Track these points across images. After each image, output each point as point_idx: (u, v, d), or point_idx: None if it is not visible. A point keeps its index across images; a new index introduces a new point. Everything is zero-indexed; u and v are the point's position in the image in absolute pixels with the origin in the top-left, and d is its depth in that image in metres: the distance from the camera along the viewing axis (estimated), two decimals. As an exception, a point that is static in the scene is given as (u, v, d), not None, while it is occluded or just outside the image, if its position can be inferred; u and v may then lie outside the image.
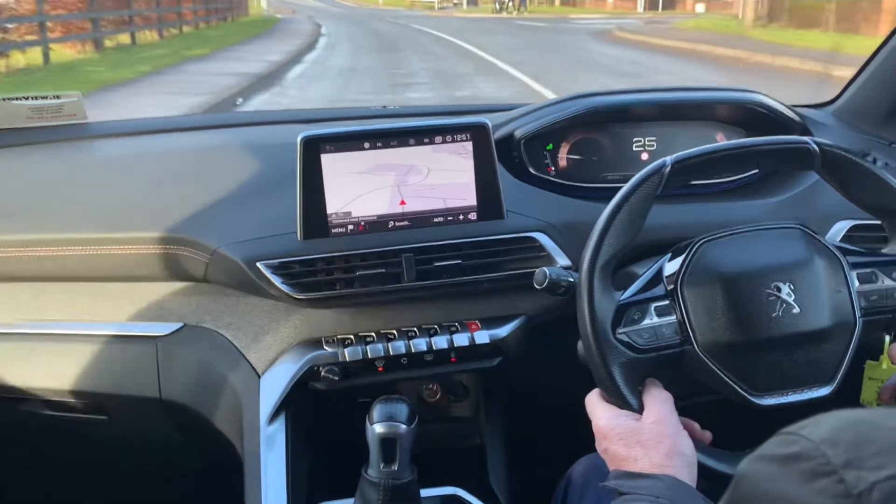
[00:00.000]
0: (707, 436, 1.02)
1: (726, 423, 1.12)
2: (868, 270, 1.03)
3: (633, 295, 0.99)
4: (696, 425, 1.01)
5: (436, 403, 1.50)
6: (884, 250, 1.06)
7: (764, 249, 1.01)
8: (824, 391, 0.97)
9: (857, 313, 0.99)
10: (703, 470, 0.90)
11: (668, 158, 0.97)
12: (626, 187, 0.97)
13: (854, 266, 1.02)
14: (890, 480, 0.44)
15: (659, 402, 0.93)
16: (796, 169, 1.37)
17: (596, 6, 36.72)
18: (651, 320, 0.97)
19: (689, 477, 0.86)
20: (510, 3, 28.21)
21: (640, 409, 0.93)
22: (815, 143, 0.99)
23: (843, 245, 1.05)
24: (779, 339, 0.95)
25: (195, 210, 1.29)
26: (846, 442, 0.47)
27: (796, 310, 0.96)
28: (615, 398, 0.94)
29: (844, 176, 1.01)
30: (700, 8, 29.78)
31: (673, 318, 0.97)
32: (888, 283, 1.02)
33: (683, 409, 0.97)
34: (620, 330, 0.95)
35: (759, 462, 0.51)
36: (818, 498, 0.46)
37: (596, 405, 0.96)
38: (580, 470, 1.23)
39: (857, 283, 1.01)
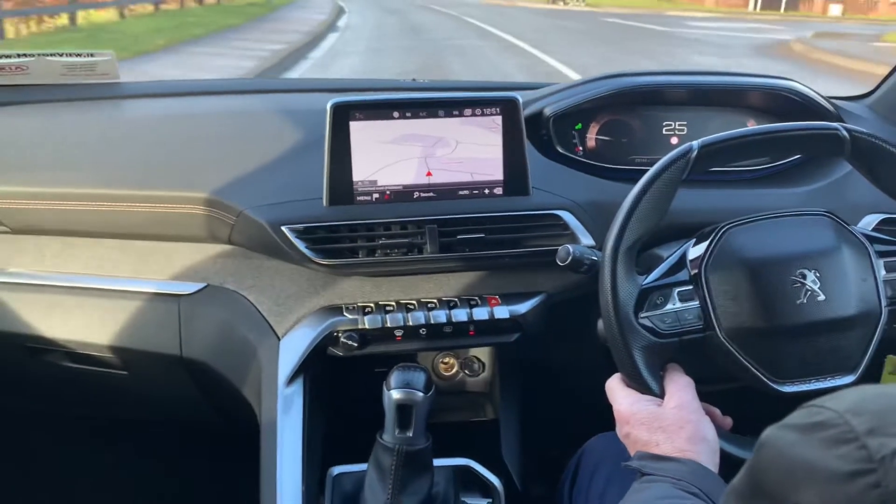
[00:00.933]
0: (728, 422, 1.02)
1: (747, 410, 1.12)
2: (895, 259, 1.02)
3: (657, 279, 0.98)
4: (717, 411, 1.00)
5: (451, 377, 1.50)
6: None
7: (790, 236, 1.00)
8: (847, 380, 0.96)
9: (883, 302, 0.98)
10: (724, 456, 0.90)
11: (695, 143, 0.96)
12: (651, 171, 0.97)
13: (881, 255, 1.01)
14: None
15: (681, 387, 0.92)
16: (826, 156, 1.35)
17: (693, 3, 30.36)
18: (674, 305, 0.96)
19: (712, 462, 0.86)
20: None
21: (661, 394, 0.93)
22: (846, 129, 0.97)
23: (870, 233, 1.04)
24: (803, 327, 0.95)
25: (223, 172, 1.30)
26: (870, 412, 0.47)
27: (821, 297, 0.95)
28: (636, 383, 0.94)
29: (874, 164, 1.00)
30: (835, 9, 26.06)
31: (696, 303, 0.97)
32: None
33: (704, 396, 0.97)
34: (643, 314, 0.95)
35: (781, 430, 0.51)
36: (839, 463, 0.46)
37: (617, 390, 0.96)
38: (592, 448, 1.23)
39: (883, 272, 1.00)
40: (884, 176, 1.01)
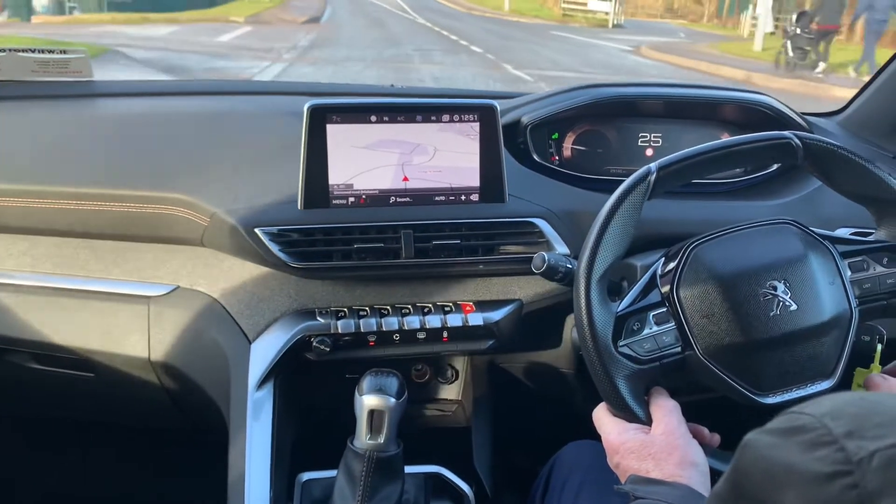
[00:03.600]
0: (716, 439, 1.02)
1: (733, 424, 1.13)
2: (859, 259, 1.03)
3: (630, 304, 0.98)
4: (705, 430, 1.01)
5: (424, 384, 1.50)
6: (871, 237, 1.06)
7: (756, 248, 1.01)
8: (826, 385, 0.97)
9: (853, 303, 0.99)
10: (714, 474, 0.91)
11: (653, 165, 0.97)
12: (613, 197, 0.97)
13: (844, 255, 1.02)
14: (891, 449, 0.45)
15: (667, 412, 0.93)
16: (783, 164, 1.37)
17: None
18: (650, 329, 0.97)
19: (703, 486, 0.86)
20: (807, 50, 12.43)
21: (648, 421, 0.93)
22: (797, 136, 0.99)
23: (831, 234, 1.05)
24: (779, 338, 0.95)
25: (196, 173, 1.28)
26: (848, 415, 0.48)
27: (793, 307, 0.96)
28: (622, 412, 0.94)
29: (828, 167, 1.02)
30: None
31: (672, 324, 0.97)
32: (879, 269, 1.03)
33: (691, 411, 0.97)
34: (622, 342, 0.95)
35: (762, 434, 0.52)
36: (818, 465, 0.46)
37: (604, 420, 0.96)
38: (564, 457, 1.23)
39: (849, 273, 1.02)
40: (838, 178, 1.03)
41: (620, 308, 0.97)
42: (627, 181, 0.97)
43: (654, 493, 0.83)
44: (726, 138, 1.07)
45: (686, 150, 0.99)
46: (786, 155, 1.00)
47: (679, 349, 0.96)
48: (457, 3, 30.87)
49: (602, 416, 0.97)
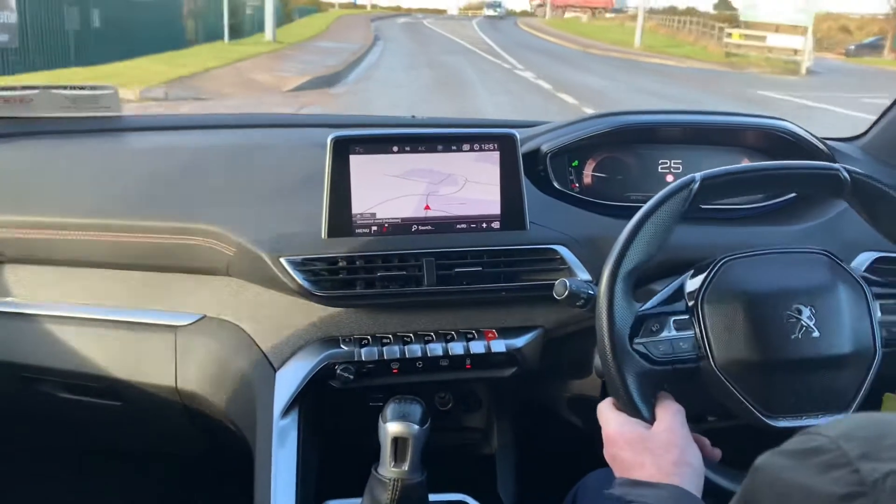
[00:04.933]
0: (717, 453, 1.02)
1: (737, 445, 1.12)
2: (892, 302, 1.03)
3: (654, 307, 0.99)
4: (707, 441, 1.00)
5: (447, 412, 1.50)
6: None
7: (787, 272, 1.01)
8: (839, 418, 0.96)
9: (879, 343, 0.99)
10: (711, 487, 0.90)
11: (697, 175, 0.98)
12: (653, 199, 0.98)
13: (877, 297, 1.02)
14: None
15: (671, 412, 0.93)
16: (826, 195, 1.37)
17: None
18: (669, 333, 0.97)
19: (695, 487, 0.86)
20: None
21: (651, 420, 0.93)
22: (846, 170, 0.99)
23: (867, 275, 1.05)
24: (796, 362, 0.95)
25: (222, 204, 1.31)
26: (862, 437, 0.48)
27: (816, 334, 0.96)
28: (627, 407, 0.94)
29: (874, 206, 1.01)
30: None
31: (691, 332, 0.97)
32: None
33: (696, 429, 0.96)
34: (638, 340, 0.95)
35: (776, 456, 0.52)
36: (832, 487, 0.46)
37: (607, 412, 0.96)
38: (589, 484, 1.22)
39: (879, 314, 1.01)
40: (883, 218, 1.02)
41: (643, 308, 0.98)
42: (669, 187, 0.98)
43: (644, 496, 0.83)
44: (764, 162, 1.07)
45: (732, 166, 0.99)
46: (833, 187, 1.00)
47: (695, 357, 0.97)
48: (564, 39, 25.70)
49: (606, 409, 0.97)
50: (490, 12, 49.60)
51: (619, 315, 0.94)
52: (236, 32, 19.40)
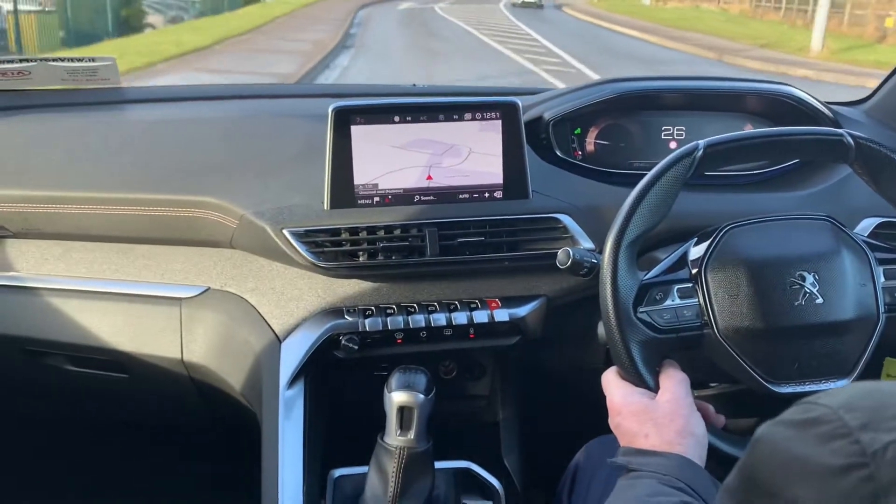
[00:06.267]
0: (721, 420, 1.02)
1: (741, 411, 1.13)
2: (895, 267, 1.03)
3: (657, 275, 0.99)
4: (711, 408, 1.01)
5: (452, 381, 1.51)
6: None
7: (790, 238, 1.01)
8: (842, 383, 0.97)
9: (882, 308, 0.99)
10: (714, 453, 0.91)
11: (701, 142, 0.97)
12: (657, 168, 0.98)
13: (881, 262, 1.02)
14: None
15: (675, 382, 0.93)
16: (830, 161, 1.36)
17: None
18: (673, 301, 0.97)
19: (698, 457, 0.87)
20: None
21: (655, 389, 0.94)
22: (850, 135, 0.98)
23: (870, 240, 1.05)
24: (800, 328, 0.96)
25: (225, 176, 1.31)
26: (863, 407, 0.48)
27: (819, 300, 0.96)
28: (632, 376, 0.94)
29: (877, 171, 1.01)
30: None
31: (695, 300, 0.98)
32: None
33: (700, 397, 0.97)
34: (642, 309, 0.96)
35: (776, 426, 0.52)
36: (833, 458, 0.46)
37: (612, 382, 0.97)
38: (591, 451, 1.23)
39: (882, 279, 1.01)
40: (885, 183, 1.02)
41: (647, 277, 0.98)
42: (673, 154, 0.98)
43: (647, 464, 0.84)
44: (768, 128, 1.06)
45: (736, 133, 0.99)
46: (837, 153, 1.00)
47: (699, 325, 0.97)
48: (657, 34, 18.90)
49: (610, 378, 0.97)
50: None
51: (622, 284, 0.94)
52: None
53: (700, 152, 0.96)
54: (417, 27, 19.01)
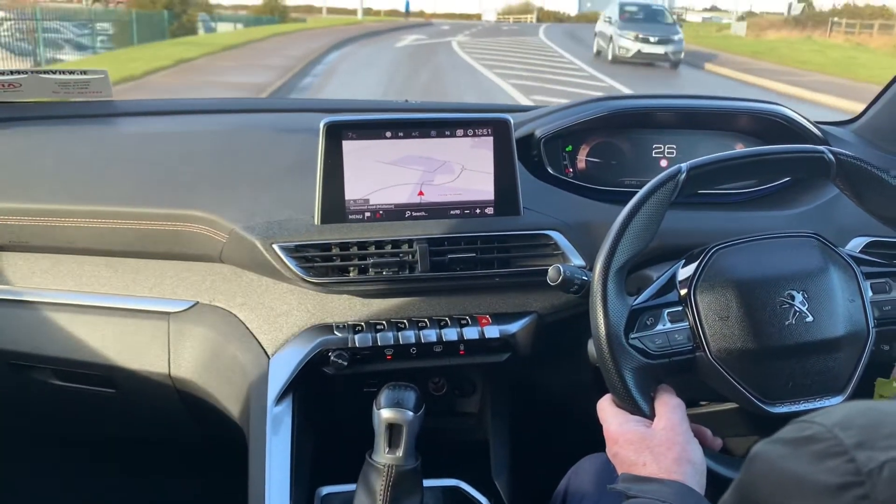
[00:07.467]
0: (718, 443, 1.02)
1: (737, 432, 1.12)
2: (882, 280, 1.03)
3: (647, 300, 0.99)
4: (708, 432, 1.00)
5: (441, 397, 1.50)
6: None
7: (778, 258, 1.01)
8: (836, 401, 0.97)
9: (871, 323, 0.99)
10: (712, 476, 0.90)
11: (684, 165, 0.97)
12: (641, 192, 0.98)
13: (868, 276, 1.02)
14: None
15: (671, 408, 0.93)
16: (812, 178, 1.37)
17: None
18: (664, 326, 0.97)
19: (697, 484, 0.86)
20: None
21: (651, 415, 0.93)
22: (831, 151, 0.99)
23: (857, 255, 1.05)
24: (791, 348, 0.95)
25: (215, 190, 1.30)
26: (858, 426, 0.48)
27: (809, 318, 0.96)
28: (627, 404, 0.94)
29: (859, 186, 1.01)
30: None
31: (686, 324, 0.97)
32: None
33: (695, 417, 0.97)
34: (633, 335, 0.95)
35: (772, 444, 0.52)
36: (828, 476, 0.46)
37: (608, 410, 0.96)
38: (583, 469, 1.23)
39: (870, 293, 1.01)
40: (868, 197, 1.02)
41: (636, 302, 0.98)
42: (656, 178, 0.98)
43: (646, 491, 0.83)
44: (751, 147, 1.07)
45: (718, 154, 0.99)
46: (818, 169, 1.00)
47: (690, 349, 0.97)
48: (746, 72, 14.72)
49: (606, 407, 0.97)
50: (638, 46, 16.05)
51: (613, 312, 0.93)
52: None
53: (683, 175, 0.97)
54: (422, 82, 11.83)
